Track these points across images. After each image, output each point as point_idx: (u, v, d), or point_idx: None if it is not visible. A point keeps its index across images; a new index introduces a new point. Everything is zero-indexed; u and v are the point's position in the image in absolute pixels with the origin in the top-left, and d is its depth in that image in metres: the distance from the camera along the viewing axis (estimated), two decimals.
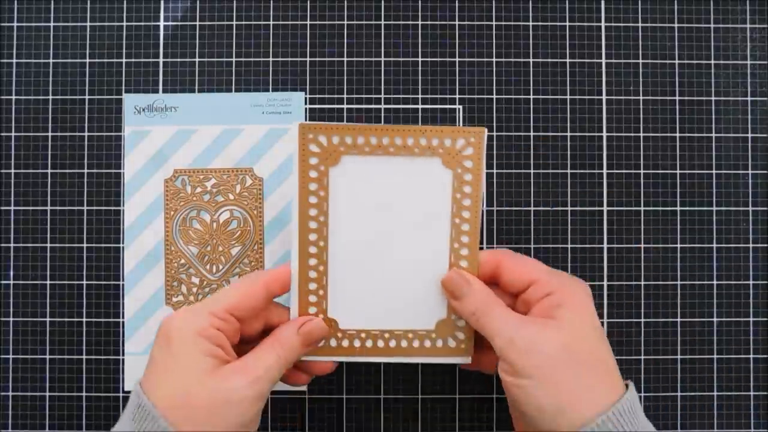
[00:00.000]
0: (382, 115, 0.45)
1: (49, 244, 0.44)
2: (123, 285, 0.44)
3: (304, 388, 0.44)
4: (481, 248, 0.45)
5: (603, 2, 0.46)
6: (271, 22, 0.45)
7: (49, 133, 0.45)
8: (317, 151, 0.36)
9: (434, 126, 0.36)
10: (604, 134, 0.45)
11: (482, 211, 0.37)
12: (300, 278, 0.37)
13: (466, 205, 0.37)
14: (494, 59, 0.45)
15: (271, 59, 0.45)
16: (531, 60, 0.45)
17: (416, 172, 0.37)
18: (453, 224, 0.37)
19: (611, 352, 0.34)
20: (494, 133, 0.45)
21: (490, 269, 0.36)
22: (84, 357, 0.44)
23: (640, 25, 0.45)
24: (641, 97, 0.45)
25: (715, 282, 0.45)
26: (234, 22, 0.45)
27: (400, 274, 0.37)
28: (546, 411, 0.31)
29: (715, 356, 0.45)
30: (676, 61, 0.45)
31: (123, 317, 0.44)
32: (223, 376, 0.32)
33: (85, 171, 0.45)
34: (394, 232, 0.37)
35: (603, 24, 0.45)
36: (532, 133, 0.45)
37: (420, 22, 0.45)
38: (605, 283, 0.45)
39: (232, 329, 0.34)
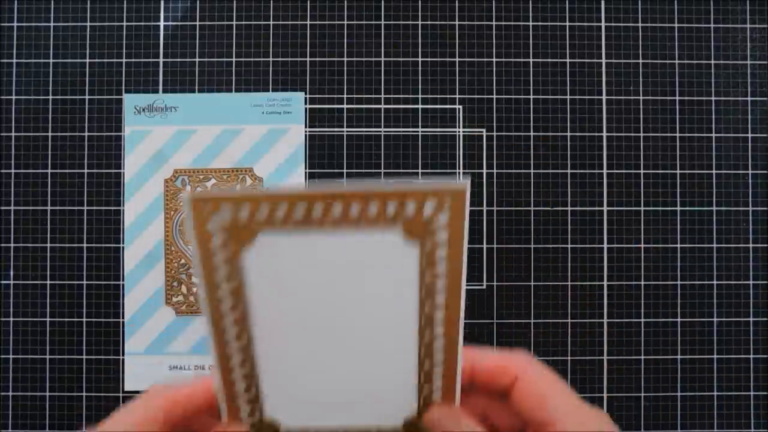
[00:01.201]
0: (382, 115, 0.45)
1: (49, 244, 0.44)
2: (123, 285, 0.44)
3: None
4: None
5: (603, 2, 0.46)
6: (271, 22, 0.45)
7: (49, 133, 0.45)
8: (221, 230, 0.26)
9: (390, 184, 0.25)
10: (604, 134, 0.45)
11: (463, 293, 0.27)
12: (223, 381, 0.29)
13: (439, 288, 0.27)
14: (494, 59, 0.45)
15: (271, 59, 0.45)
16: (531, 60, 0.45)
17: (366, 250, 0.27)
18: (422, 312, 0.28)
19: None
20: (494, 133, 0.45)
21: (503, 384, 0.29)
22: (84, 357, 0.44)
23: (640, 25, 0.45)
24: (641, 97, 0.45)
25: (715, 282, 0.45)
26: (234, 22, 0.45)
27: (352, 365, 0.29)
28: None
29: (715, 356, 0.45)
30: (676, 61, 0.45)
31: (123, 317, 0.44)
32: None
33: (85, 171, 0.45)
34: (341, 318, 0.28)
35: (603, 24, 0.45)
36: (532, 133, 0.45)
37: (420, 22, 0.45)
38: (605, 283, 0.45)
39: None
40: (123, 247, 0.44)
